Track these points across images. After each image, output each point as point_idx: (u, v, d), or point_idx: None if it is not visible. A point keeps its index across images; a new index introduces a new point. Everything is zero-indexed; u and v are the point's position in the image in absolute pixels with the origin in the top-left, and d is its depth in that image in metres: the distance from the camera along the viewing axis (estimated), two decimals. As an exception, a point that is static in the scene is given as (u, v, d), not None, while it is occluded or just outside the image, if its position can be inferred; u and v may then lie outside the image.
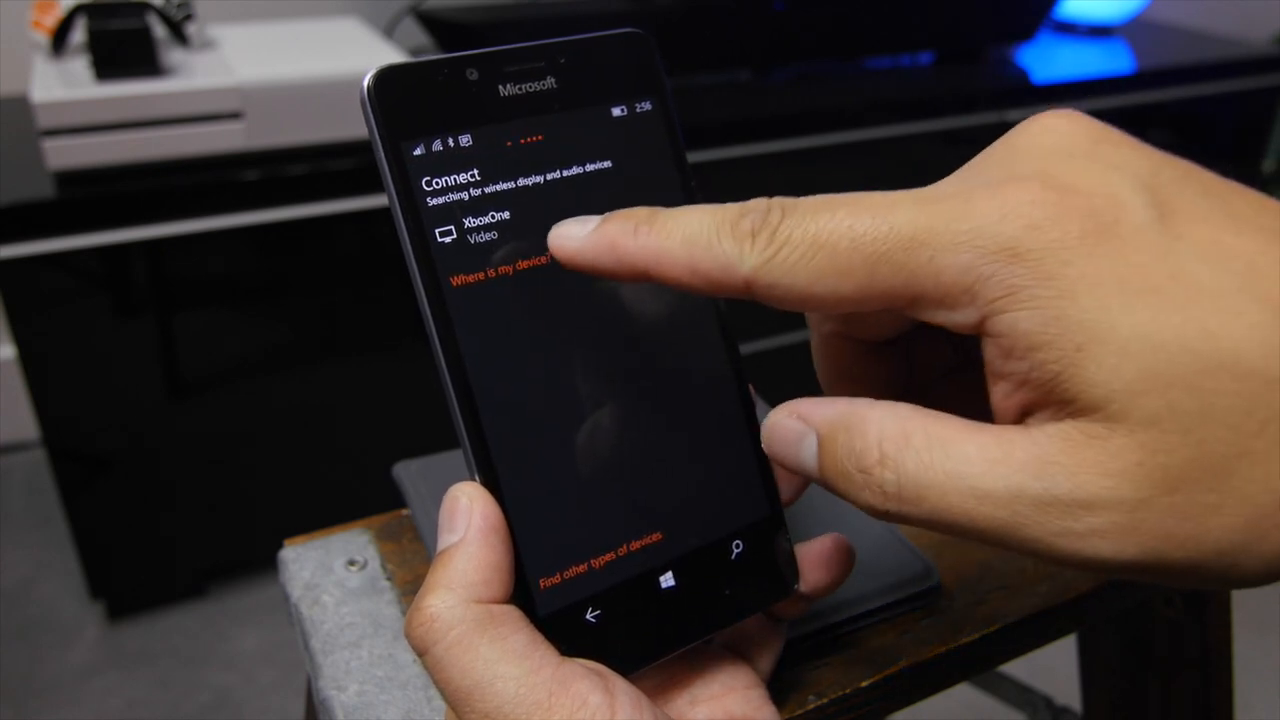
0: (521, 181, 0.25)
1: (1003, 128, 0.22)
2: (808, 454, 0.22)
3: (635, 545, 0.26)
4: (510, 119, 0.25)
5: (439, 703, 0.33)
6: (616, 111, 0.27)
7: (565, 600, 0.25)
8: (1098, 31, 1.66)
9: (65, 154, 0.92)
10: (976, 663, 0.37)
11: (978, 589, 0.39)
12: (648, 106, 0.27)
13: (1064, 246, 0.19)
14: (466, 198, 0.24)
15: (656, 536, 0.26)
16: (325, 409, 1.14)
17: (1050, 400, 0.19)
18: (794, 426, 0.23)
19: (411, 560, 0.40)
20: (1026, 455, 0.19)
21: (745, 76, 1.36)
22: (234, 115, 0.96)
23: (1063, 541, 0.19)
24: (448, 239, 0.24)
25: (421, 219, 0.24)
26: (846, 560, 0.28)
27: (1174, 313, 0.18)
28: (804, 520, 0.37)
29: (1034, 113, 0.22)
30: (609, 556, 0.25)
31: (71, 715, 1.06)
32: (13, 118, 1.09)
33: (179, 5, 1.05)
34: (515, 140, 0.25)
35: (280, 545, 0.40)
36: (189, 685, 1.10)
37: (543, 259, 0.25)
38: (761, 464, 0.28)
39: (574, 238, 0.23)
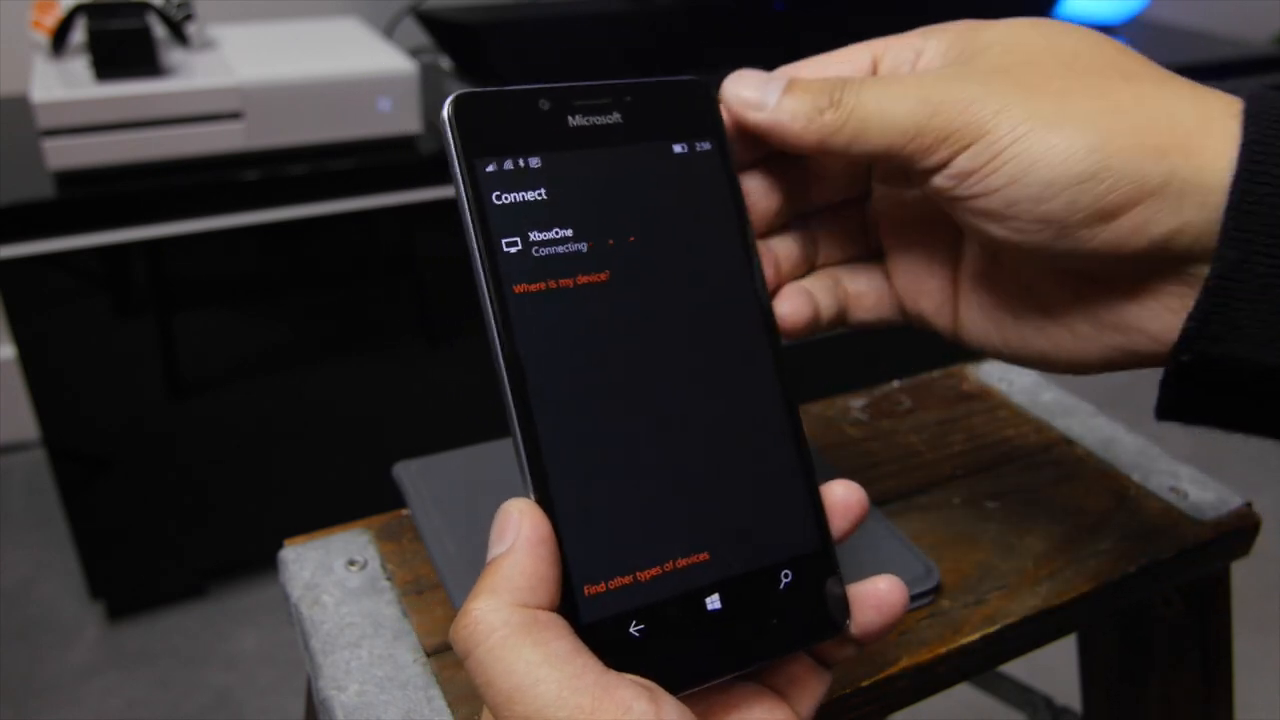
0: (585, 202, 0.27)
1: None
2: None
3: (682, 562, 0.26)
4: (577, 147, 0.27)
5: (439, 703, 0.33)
6: (677, 149, 0.29)
7: (609, 610, 0.25)
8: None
9: (65, 154, 0.92)
10: (976, 663, 0.37)
11: (978, 589, 0.39)
12: (707, 147, 0.29)
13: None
14: (533, 213, 0.26)
15: (704, 556, 0.26)
16: (325, 409, 1.14)
17: None
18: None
19: (411, 560, 0.40)
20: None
21: (745, 76, 1.36)
22: (234, 115, 0.96)
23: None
24: (513, 249, 0.26)
25: (490, 229, 0.25)
26: (900, 603, 0.28)
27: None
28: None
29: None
30: (655, 571, 0.25)
31: (71, 715, 1.06)
32: (13, 118, 1.09)
33: (179, 5, 1.05)
34: (581, 165, 0.27)
35: (280, 545, 0.40)
36: (189, 685, 1.10)
37: (602, 275, 0.26)
38: (813, 499, 0.28)
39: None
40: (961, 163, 0.26)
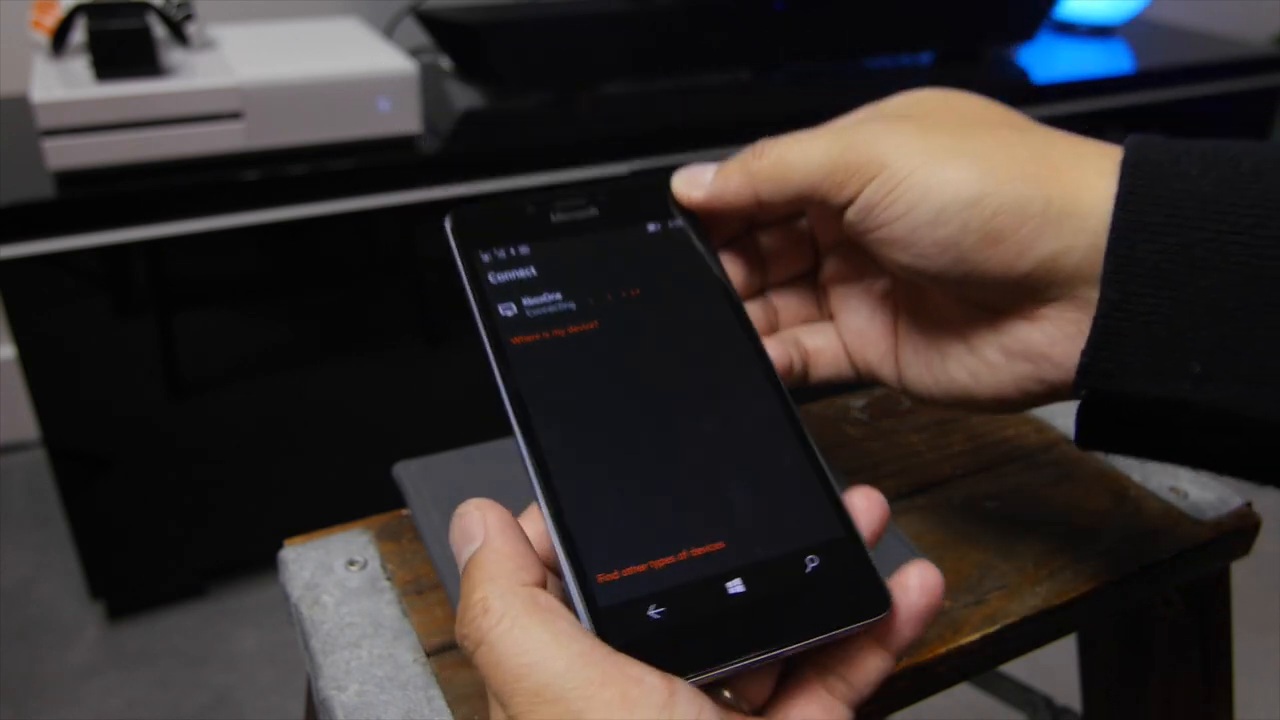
0: (571, 272, 0.31)
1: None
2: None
3: (697, 552, 0.26)
4: (561, 236, 0.32)
5: (439, 703, 0.33)
6: (651, 227, 0.33)
7: (626, 595, 0.25)
8: (1098, 31, 1.66)
9: (65, 154, 0.92)
10: (976, 663, 0.37)
11: (978, 589, 0.39)
12: (680, 223, 0.34)
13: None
14: (525, 285, 0.31)
15: (719, 545, 0.27)
16: (325, 409, 1.14)
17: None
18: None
19: (411, 560, 0.40)
20: None
21: (745, 76, 1.36)
22: (234, 115, 0.97)
23: None
24: (509, 313, 0.30)
25: (488, 299, 0.30)
26: (939, 582, 0.27)
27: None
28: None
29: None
30: (669, 560, 0.26)
31: (71, 715, 1.06)
32: (13, 118, 1.09)
33: (179, 5, 1.05)
34: (566, 247, 0.32)
35: (280, 545, 0.40)
36: (189, 685, 1.10)
37: (592, 324, 0.30)
38: (828, 489, 0.28)
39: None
40: (868, 194, 0.30)
